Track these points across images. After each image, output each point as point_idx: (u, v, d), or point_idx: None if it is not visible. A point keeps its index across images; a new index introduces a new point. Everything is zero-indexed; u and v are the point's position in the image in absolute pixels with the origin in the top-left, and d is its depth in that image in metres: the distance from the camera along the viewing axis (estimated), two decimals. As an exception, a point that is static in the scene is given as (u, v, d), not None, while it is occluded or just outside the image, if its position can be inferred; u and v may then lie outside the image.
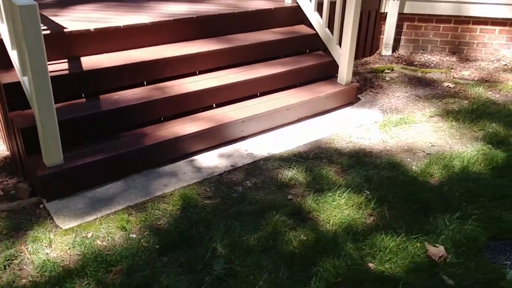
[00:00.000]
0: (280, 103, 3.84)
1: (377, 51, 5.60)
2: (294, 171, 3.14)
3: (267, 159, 3.34)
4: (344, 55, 4.16)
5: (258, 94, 3.98)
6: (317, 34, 4.42)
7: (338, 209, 2.72)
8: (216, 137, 3.47)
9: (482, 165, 3.18)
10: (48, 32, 3.25)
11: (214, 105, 3.69)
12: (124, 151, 3.05)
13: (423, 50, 5.59)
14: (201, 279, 2.22)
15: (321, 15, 4.33)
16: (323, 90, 4.12)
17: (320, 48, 4.50)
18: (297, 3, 4.53)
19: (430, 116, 4.01)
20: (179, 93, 3.49)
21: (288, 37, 4.33)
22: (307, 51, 4.55)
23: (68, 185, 2.88)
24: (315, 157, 3.36)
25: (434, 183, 3.02)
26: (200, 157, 3.35)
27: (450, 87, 4.60)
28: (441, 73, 4.86)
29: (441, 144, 3.54)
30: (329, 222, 2.62)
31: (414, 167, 3.20)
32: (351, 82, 4.31)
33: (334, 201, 2.78)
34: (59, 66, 3.23)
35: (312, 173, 3.11)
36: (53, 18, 3.69)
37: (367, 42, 5.45)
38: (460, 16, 5.34)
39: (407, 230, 2.54)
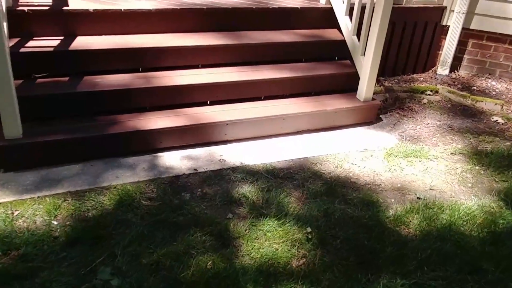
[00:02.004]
0: (276, 111, 3.54)
1: (433, 69, 4.93)
2: (252, 188, 2.86)
3: (235, 169, 3.09)
4: (365, 68, 3.69)
5: (263, 98, 3.72)
6: (345, 41, 3.99)
7: (268, 242, 2.40)
8: (194, 136, 3.30)
9: (477, 226, 2.59)
10: (46, 8, 3.34)
11: (203, 103, 3.52)
12: (89, 135, 3.03)
13: (489, 74, 4.78)
14: (77, 285, 2.10)
15: (351, 20, 3.89)
16: (334, 104, 3.71)
17: (348, 57, 4.06)
18: (331, 4, 4.13)
19: (451, 153, 3.40)
20: (167, 85, 3.38)
21: (310, 40, 3.98)
22: (336, 58, 4.14)
23: (25, 160, 2.93)
24: (286, 177, 3.03)
25: (403, 235, 2.53)
26: (168, 154, 3.22)
27: (498, 122, 3.87)
28: (496, 104, 4.10)
29: (443, 190, 2.97)
30: (249, 254, 2.33)
31: (391, 211, 2.72)
32: (373, 99, 3.83)
33: (269, 232, 2.47)
34: (50, 43, 3.30)
35: (269, 194, 2.81)
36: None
37: (420, 57, 4.82)
38: (543, 40, 4.47)
39: (329, 287, 2.15)
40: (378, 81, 4.48)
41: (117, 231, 2.45)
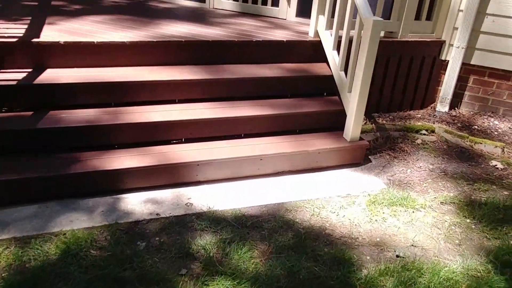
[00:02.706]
0: (253, 150, 3.31)
1: (432, 105, 4.65)
2: (213, 239, 2.62)
3: (201, 215, 2.86)
4: (352, 106, 3.46)
5: (243, 136, 3.51)
6: (332, 76, 3.78)
7: (217, 306, 2.15)
8: (162, 177, 3.09)
9: (460, 292, 2.29)
10: (15, 40, 3.22)
11: (175, 141, 3.32)
12: (47, 175, 2.85)
13: (492, 112, 4.48)
14: None
15: (339, 54, 3.68)
16: (317, 144, 3.47)
17: (337, 93, 3.83)
18: (319, 38, 3.94)
19: (441, 202, 3.11)
20: (138, 121, 3.20)
21: (296, 75, 3.78)
22: (325, 94, 3.92)
23: (-24, 199, 2.77)
24: (254, 226, 2.78)
25: (374, 301, 2.24)
26: (133, 196, 3.01)
27: (497, 167, 3.56)
28: (496, 146, 3.80)
29: (427, 246, 2.67)
30: (194, 321, 2.07)
31: (364, 272, 2.44)
32: (361, 139, 3.58)
33: (218, 294, 2.21)
34: (17, 76, 3.17)
35: (230, 246, 2.55)
36: (46, 26, 3.70)
37: (418, 93, 4.55)
38: (549, 78, 4.17)
39: None
40: (371, 118, 4.24)
41: (55, 287, 2.23)
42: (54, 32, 3.55)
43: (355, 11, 3.43)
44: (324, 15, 3.86)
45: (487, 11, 4.19)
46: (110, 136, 3.15)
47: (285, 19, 4.76)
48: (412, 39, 4.30)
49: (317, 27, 3.96)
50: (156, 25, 4.08)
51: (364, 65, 3.25)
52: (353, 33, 3.39)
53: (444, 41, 4.42)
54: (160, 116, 3.28)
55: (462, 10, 4.24)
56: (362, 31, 3.27)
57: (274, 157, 3.33)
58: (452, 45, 4.37)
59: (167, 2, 5.27)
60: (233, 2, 4.95)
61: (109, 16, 4.33)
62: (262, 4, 4.83)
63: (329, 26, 3.82)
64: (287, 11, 4.72)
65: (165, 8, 4.93)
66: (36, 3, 4.72)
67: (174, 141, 3.33)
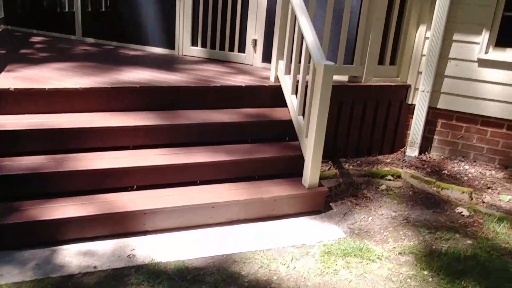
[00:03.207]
0: (205, 198, 3.20)
1: (402, 149, 4.58)
2: (147, 295, 2.46)
3: (141, 267, 2.71)
4: (309, 151, 3.38)
5: (198, 182, 3.41)
6: (291, 121, 3.73)
7: None
8: (106, 227, 2.96)
9: None
10: (-37, 86, 3.20)
11: (124, 188, 3.21)
12: (-19, 226, 2.73)
13: (463, 157, 4.40)
14: None
15: (297, 98, 3.65)
16: (273, 191, 3.36)
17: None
18: (279, 82, 3.93)
19: (400, 252, 2.95)
20: (85, 168, 3.11)
21: (255, 120, 3.73)
22: (286, 139, 3.85)
23: None
24: (196, 280, 2.62)
25: None
26: (73, 247, 2.86)
27: (463, 215, 3.43)
28: (463, 192, 3.68)
29: (377, 301, 2.50)
30: None
31: (304, 330, 2.26)
32: (320, 185, 3.47)
33: None
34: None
35: (164, 304, 2.39)
36: (3, 74, 3.70)
37: (386, 137, 4.49)
38: (517, 122, 4.12)
39: None
40: (337, 163, 4.16)
41: None
42: (9, 79, 3.53)
43: (311, 56, 3.43)
44: (283, 60, 3.86)
45: (450, 55, 4.21)
46: (55, 184, 3.05)
47: (252, 65, 4.78)
48: (377, 84, 4.29)
49: (277, 72, 3.96)
50: (118, 71, 4.09)
51: (318, 109, 3.20)
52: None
53: (410, 85, 4.41)
54: (109, 163, 3.19)
55: (424, 55, 4.26)
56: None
57: (227, 205, 3.21)
58: (417, 89, 4.36)
59: (138, 49, 5.32)
60: (201, 48, 5.00)
61: (74, 63, 4.34)
62: (229, 51, 4.87)
63: (288, 70, 3.82)
64: (253, 56, 4.76)
65: (134, 55, 4.97)
66: (4, 51, 4.77)
67: (124, 189, 3.23)
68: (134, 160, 3.26)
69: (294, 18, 3.59)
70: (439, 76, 4.28)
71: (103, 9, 5.62)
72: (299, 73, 3.63)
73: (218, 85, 3.80)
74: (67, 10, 5.80)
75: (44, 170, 3.04)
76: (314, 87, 3.25)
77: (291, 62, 3.76)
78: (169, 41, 5.15)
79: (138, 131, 3.41)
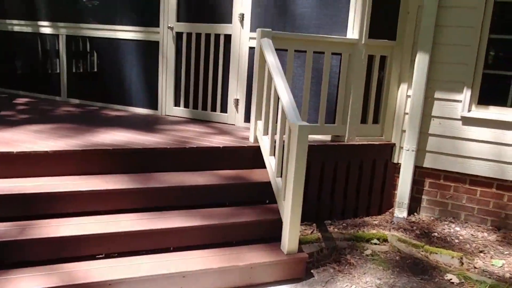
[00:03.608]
0: (175, 266, 3.04)
1: (390, 210, 4.45)
2: None
3: None
4: (286, 215, 3.26)
5: (172, 249, 3.26)
6: (271, 183, 3.65)
7: None
8: (67, 300, 2.79)
9: None
10: None
11: (90, 257, 3.07)
12: None
13: (453, 218, 4.27)
14: None
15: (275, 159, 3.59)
16: (250, 258, 3.21)
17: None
18: (258, 143, 3.89)
19: (383, 325, 2.76)
20: (49, 236, 2.97)
21: (233, 183, 3.64)
22: (267, 201, 3.75)
23: None
24: None
25: None
26: (28, 324, 2.68)
27: (452, 282, 3.25)
28: (453, 257, 3.51)
29: None
30: None
31: None
32: (300, 250, 3.32)
33: None
34: None
35: None
36: (-26, 136, 3.67)
37: (373, 198, 4.38)
38: (506, 181, 4.02)
39: None
40: (322, 226, 4.02)
41: None
42: (-20, 142, 3.50)
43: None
44: (261, 120, 3.85)
45: (433, 114, 4.20)
46: (16, 253, 2.91)
47: (234, 125, 4.77)
48: (360, 143, 4.25)
49: (256, 132, 3.94)
50: (95, 133, 4.06)
51: (294, 171, 3.13)
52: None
53: (394, 144, 4.37)
54: (77, 230, 3.07)
55: (407, 113, 4.25)
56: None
57: (200, 274, 3.05)
58: (402, 147, 4.31)
59: (121, 110, 5.35)
60: (184, 109, 5.02)
61: (53, 125, 4.33)
62: (212, 110, 4.88)
63: (267, 131, 3.79)
64: (236, 116, 4.75)
65: (116, 116, 4.97)
66: (-17, 114, 4.78)
67: (92, 257, 3.08)
68: (104, 226, 3.14)
69: (271, 78, 3.61)
70: (423, 134, 4.25)
71: (88, 70, 5.71)
72: (276, 133, 3.60)
73: (195, 146, 3.76)
74: (53, 71, 5.90)
75: (4, 238, 2.91)
76: (290, 148, 3.19)
77: (269, 123, 3.74)
78: (152, 102, 5.19)
79: (109, 195, 3.31)
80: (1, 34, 6.13)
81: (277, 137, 3.51)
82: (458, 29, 4.03)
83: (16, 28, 5.97)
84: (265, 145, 3.79)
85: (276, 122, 3.57)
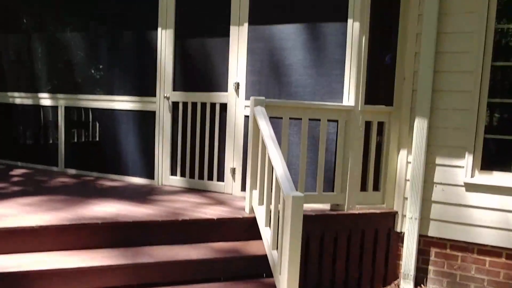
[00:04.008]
0: None
1: (395, 282, 4.24)
2: None
3: None
4: (282, 292, 3.10)
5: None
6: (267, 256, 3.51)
7: None
8: None
9: None
10: None
11: None
12: None
13: (464, 290, 4.05)
14: None
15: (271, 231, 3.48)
16: None
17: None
18: (255, 214, 3.80)
19: None
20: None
21: (228, 256, 3.51)
22: (264, 275, 3.58)
23: None
24: None
25: None
26: None
27: None
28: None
29: None
30: None
31: None
32: (299, 332, 3.12)
33: None
34: None
35: None
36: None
37: (376, 269, 4.20)
38: (517, 249, 3.86)
39: None
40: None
41: None
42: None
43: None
44: (257, 190, 3.78)
45: (435, 180, 4.12)
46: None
47: (231, 194, 4.70)
48: (361, 211, 4.14)
49: (252, 202, 3.86)
50: (86, 205, 3.99)
51: (289, 243, 3.00)
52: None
53: (397, 212, 4.26)
54: (58, 311, 2.93)
55: (409, 180, 4.18)
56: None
57: None
58: (405, 216, 4.19)
59: (117, 180, 5.32)
60: (180, 178, 4.98)
61: (44, 197, 4.28)
62: (208, 180, 4.83)
63: (262, 201, 3.71)
64: (233, 185, 4.70)
65: (110, 187, 4.93)
66: (-24, 186, 4.77)
67: None
68: (87, 307, 3.00)
69: (265, 147, 3.59)
70: (426, 201, 4.14)
71: (85, 140, 5.77)
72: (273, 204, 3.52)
73: (188, 218, 3.67)
74: (51, 142, 5.96)
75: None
76: (284, 220, 3.10)
77: (264, 193, 3.67)
78: (149, 171, 5.17)
79: (97, 272, 3.19)
80: (2, 106, 6.28)
81: (272, 208, 3.43)
82: (456, 94, 4.05)
83: (17, 101, 6.11)
84: (260, 216, 3.70)
85: (272, 192, 3.50)
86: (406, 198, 4.21)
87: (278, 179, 3.23)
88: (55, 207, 3.90)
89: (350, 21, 4.01)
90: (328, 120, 4.08)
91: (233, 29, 4.58)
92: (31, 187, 4.78)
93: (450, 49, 4.02)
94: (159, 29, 4.97)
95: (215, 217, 3.74)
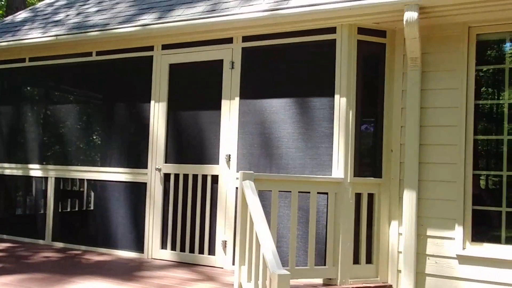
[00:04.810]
0: None
1: None
2: None
3: None
4: None
5: None
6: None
7: None
8: None
9: None
10: None
11: None
12: None
13: None
14: None
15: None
16: None
17: None
18: None
19: None
20: None
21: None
22: None
23: None
24: None
25: None
26: None
27: None
28: None
29: None
30: None
31: None
32: None
33: None
34: None
35: None
36: None
37: None
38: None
39: None
40: None
41: None
42: None
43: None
44: (245, 266, 3.80)
45: (427, 252, 4.18)
46: None
47: (222, 268, 4.70)
48: (354, 286, 4.15)
49: (241, 278, 3.87)
50: (66, 284, 3.92)
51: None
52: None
53: (391, 286, 4.27)
54: None
55: (401, 252, 4.23)
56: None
57: None
58: (399, 290, 4.21)
59: (105, 254, 5.30)
60: (171, 251, 4.99)
61: (22, 276, 4.17)
62: (199, 253, 4.84)
63: (250, 278, 3.72)
64: (224, 259, 4.71)
65: (97, 262, 4.91)
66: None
67: None
68: None
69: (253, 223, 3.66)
70: (420, 274, 4.17)
71: (74, 212, 5.81)
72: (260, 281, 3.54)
73: None
74: (39, 214, 5.98)
75: None
76: (273, 294, 3.11)
77: (252, 269, 3.69)
78: (139, 244, 5.18)
79: None
80: (-9, 177, 6.37)
81: (260, 285, 3.44)
82: (442, 166, 4.21)
83: (7, 172, 6.21)
84: (248, 290, 3.70)
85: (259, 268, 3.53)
86: (400, 271, 4.23)
87: (265, 256, 3.27)
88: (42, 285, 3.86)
89: (337, 96, 4.27)
90: (318, 193, 4.20)
91: (224, 103, 4.84)
92: (11, 264, 4.72)
93: (434, 123, 4.25)
94: (152, 102, 5.21)
95: (202, 294, 3.74)
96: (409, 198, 4.22)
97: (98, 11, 6.01)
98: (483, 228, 4.19)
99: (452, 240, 4.14)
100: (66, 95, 6.37)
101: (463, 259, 4.09)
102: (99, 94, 6.02)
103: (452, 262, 4.12)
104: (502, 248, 4.04)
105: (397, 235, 4.33)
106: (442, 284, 4.12)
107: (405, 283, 4.16)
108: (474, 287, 4.00)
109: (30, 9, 7.27)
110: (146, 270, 4.60)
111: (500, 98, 4.28)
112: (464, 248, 4.11)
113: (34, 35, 5.88)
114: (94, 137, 5.93)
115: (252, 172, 3.98)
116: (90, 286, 3.93)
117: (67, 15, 6.21)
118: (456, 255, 4.10)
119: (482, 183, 4.30)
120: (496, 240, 4.12)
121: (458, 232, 4.12)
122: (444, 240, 4.17)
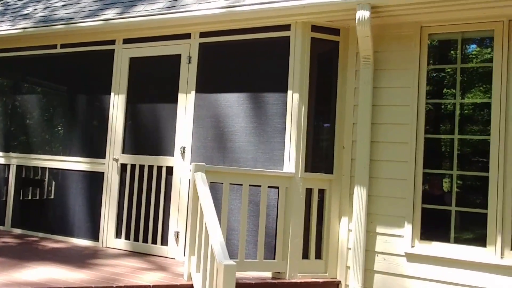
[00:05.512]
0: None
1: None
2: None
3: None
4: None
5: None
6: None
7: None
8: None
9: None
10: None
11: None
12: None
13: None
14: None
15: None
16: None
17: None
18: (192, 281, 3.85)
19: None
20: None
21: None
22: None
23: None
24: None
25: None
26: None
27: None
28: None
29: None
30: None
31: None
32: None
33: None
34: None
35: None
36: None
37: None
38: (457, 322, 3.94)
39: None
40: None
41: None
42: None
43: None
44: (195, 256, 3.87)
45: (376, 249, 4.27)
46: None
47: (174, 258, 4.76)
48: (303, 280, 4.23)
49: (190, 269, 3.93)
50: (20, 269, 4.00)
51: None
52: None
53: (340, 282, 4.35)
54: None
55: (350, 248, 4.31)
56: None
57: None
58: (348, 286, 4.28)
59: (61, 241, 5.35)
60: (125, 241, 5.05)
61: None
62: (152, 243, 4.91)
63: (199, 268, 3.78)
64: (176, 250, 4.77)
65: (53, 249, 4.96)
66: None
67: None
68: None
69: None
70: (368, 271, 4.26)
71: (33, 200, 5.86)
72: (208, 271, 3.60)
73: (122, 285, 3.71)
74: (2, 199, 6.01)
75: None
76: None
77: (201, 259, 3.75)
78: (94, 233, 5.23)
79: None
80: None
81: (207, 276, 3.50)
82: (393, 164, 4.30)
83: (-33, 158, 6.23)
84: (197, 283, 3.75)
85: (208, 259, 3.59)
86: (349, 267, 4.32)
87: (213, 246, 3.34)
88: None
89: (290, 92, 4.33)
90: (269, 187, 4.27)
91: (181, 96, 4.91)
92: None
93: (385, 120, 4.32)
94: (112, 94, 5.28)
95: (151, 284, 3.78)
96: (359, 194, 4.30)
97: (64, 5, 6.10)
98: (432, 227, 4.27)
99: (401, 238, 4.23)
100: (33, 87, 6.42)
101: (412, 257, 4.18)
102: (63, 85, 6.07)
103: (401, 259, 4.20)
104: (451, 247, 4.13)
105: (347, 231, 4.41)
106: (390, 281, 4.22)
107: (353, 279, 4.25)
108: (421, 285, 4.11)
109: (1, 3, 7.34)
110: (99, 258, 4.66)
111: (452, 97, 4.37)
112: (412, 246, 4.19)
113: (3, 28, 5.97)
114: (59, 128, 5.97)
115: (203, 164, 4.03)
116: (43, 271, 3.98)
117: (35, 9, 6.30)
118: (405, 253, 4.19)
119: (433, 181, 4.39)
120: (445, 239, 4.20)
121: (407, 230, 4.21)
122: (393, 238, 4.26)
